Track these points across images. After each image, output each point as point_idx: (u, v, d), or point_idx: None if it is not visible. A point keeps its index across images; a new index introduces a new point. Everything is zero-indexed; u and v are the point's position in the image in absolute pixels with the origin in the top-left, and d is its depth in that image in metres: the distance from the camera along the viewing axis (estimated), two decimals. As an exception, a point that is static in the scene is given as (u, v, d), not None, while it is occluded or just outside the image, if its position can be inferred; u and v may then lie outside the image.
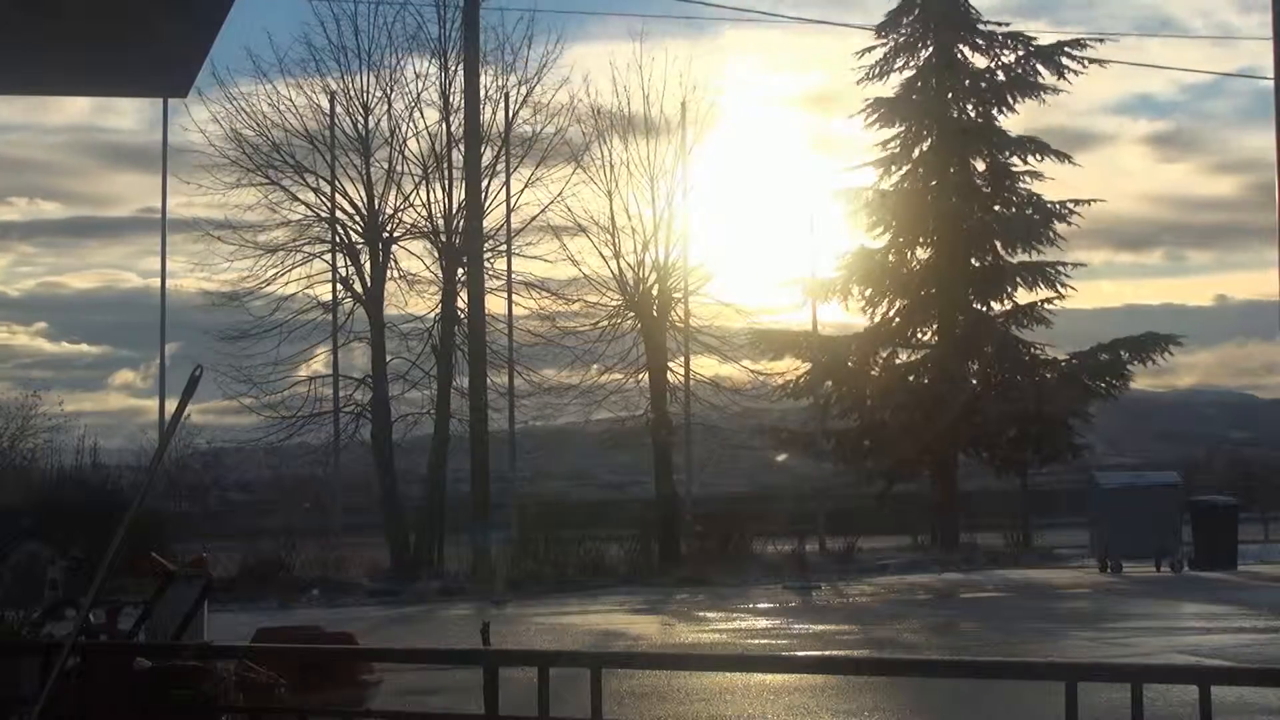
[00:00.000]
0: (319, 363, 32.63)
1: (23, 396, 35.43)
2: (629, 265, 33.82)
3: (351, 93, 32.84)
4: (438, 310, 32.90)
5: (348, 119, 32.81)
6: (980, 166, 37.52)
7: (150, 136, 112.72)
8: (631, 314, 33.88)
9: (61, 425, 34.79)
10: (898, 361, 37.60)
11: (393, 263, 33.12)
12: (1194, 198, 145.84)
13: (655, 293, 33.74)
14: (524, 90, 33.02)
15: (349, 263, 32.91)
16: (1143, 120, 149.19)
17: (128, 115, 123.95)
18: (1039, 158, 36.89)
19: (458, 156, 32.35)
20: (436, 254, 33.14)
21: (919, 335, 37.60)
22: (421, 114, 33.05)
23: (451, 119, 32.63)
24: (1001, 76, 37.31)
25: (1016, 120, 37.48)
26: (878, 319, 37.32)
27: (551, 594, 27.03)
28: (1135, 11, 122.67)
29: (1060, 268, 36.55)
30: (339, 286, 32.68)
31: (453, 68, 32.55)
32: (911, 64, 37.52)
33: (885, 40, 37.49)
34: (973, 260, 36.77)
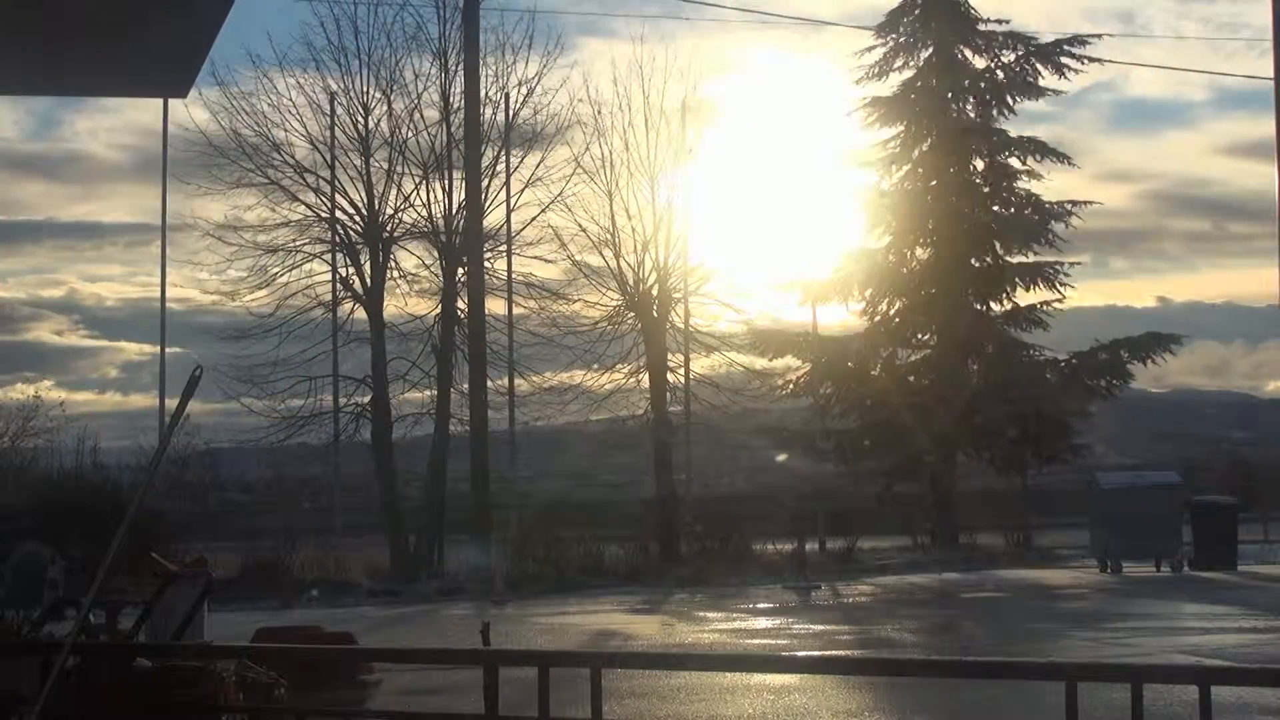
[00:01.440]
0: (319, 363, 32.62)
1: (23, 397, 35.41)
2: (629, 265, 33.86)
3: (351, 93, 32.88)
4: (438, 310, 32.91)
5: (348, 119, 32.84)
6: (980, 166, 37.52)
7: (37, 145, 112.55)
8: (631, 314, 33.88)
9: (61, 425, 34.76)
10: (898, 362, 37.60)
11: (393, 263, 33.16)
12: (1092, 207, 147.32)
13: (655, 293, 33.73)
14: (524, 90, 33.08)
15: (349, 263, 32.92)
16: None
17: (5, 125, 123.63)
18: (1038, 158, 36.91)
19: (458, 157, 32.35)
20: (436, 254, 33.15)
21: (919, 335, 37.59)
22: (421, 114, 33.08)
23: (451, 119, 32.64)
24: (1001, 76, 37.31)
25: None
26: (878, 319, 37.32)
27: (551, 594, 27.02)
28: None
29: (1058, 268, 36.58)
30: (339, 286, 32.70)
31: (453, 68, 32.57)
32: (911, 64, 37.53)
33: (885, 40, 37.49)
34: (973, 260, 36.77)
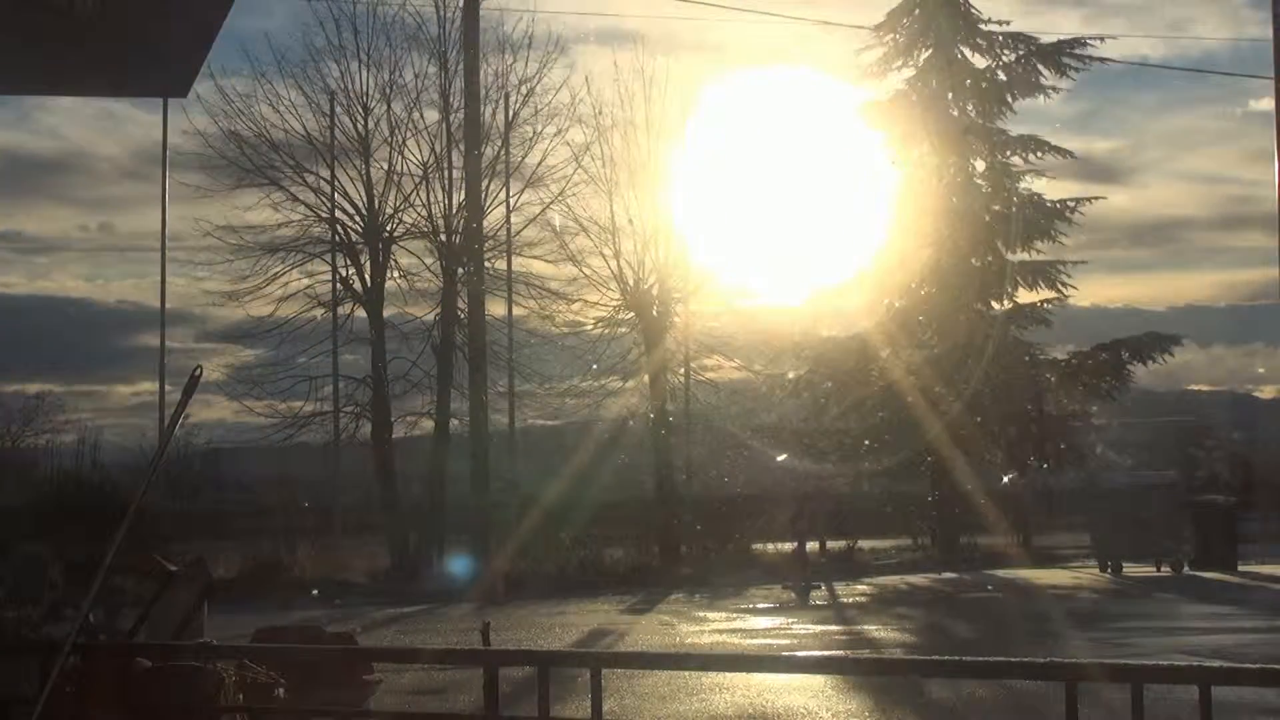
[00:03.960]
0: (319, 363, 32.62)
1: (24, 397, 35.49)
2: (629, 265, 33.85)
3: (351, 93, 32.88)
4: (438, 310, 32.90)
5: (347, 119, 32.84)
6: (980, 166, 37.50)
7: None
8: (631, 314, 33.87)
9: (61, 426, 34.82)
10: (898, 361, 37.56)
11: (393, 263, 33.16)
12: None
13: (655, 293, 33.72)
14: (524, 90, 33.08)
15: (349, 263, 32.92)
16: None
17: None
18: (1039, 156, 36.88)
19: (457, 157, 32.36)
20: (436, 254, 33.15)
21: (919, 335, 37.57)
22: (421, 114, 33.10)
23: (451, 119, 32.65)
24: (1002, 76, 37.28)
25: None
26: (878, 319, 37.29)
27: (551, 594, 27.01)
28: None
29: (1060, 267, 36.56)
30: (339, 286, 32.70)
31: (452, 68, 32.58)
32: (911, 63, 37.50)
33: (884, 40, 37.46)
34: (973, 260, 36.75)
